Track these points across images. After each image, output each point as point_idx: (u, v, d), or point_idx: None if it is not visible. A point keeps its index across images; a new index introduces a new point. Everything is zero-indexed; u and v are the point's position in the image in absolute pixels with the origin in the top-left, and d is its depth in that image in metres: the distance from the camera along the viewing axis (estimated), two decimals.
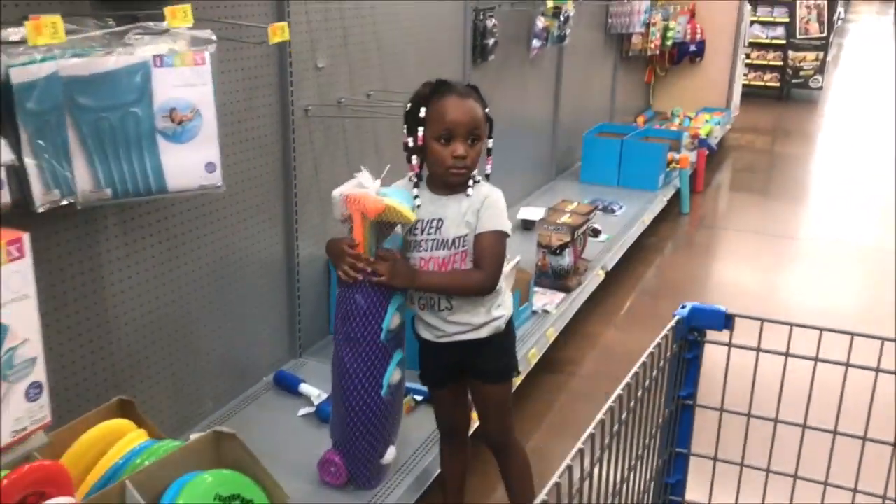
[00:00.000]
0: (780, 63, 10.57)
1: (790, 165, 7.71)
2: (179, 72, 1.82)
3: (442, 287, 2.09)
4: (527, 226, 4.34)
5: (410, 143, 2.06)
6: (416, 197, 2.09)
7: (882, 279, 4.68)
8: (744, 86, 8.97)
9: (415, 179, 2.11)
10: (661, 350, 1.59)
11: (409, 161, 2.11)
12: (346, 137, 3.09)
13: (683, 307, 1.72)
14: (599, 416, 1.31)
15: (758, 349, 1.69)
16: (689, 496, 1.86)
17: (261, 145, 2.67)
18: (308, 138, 2.88)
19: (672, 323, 1.67)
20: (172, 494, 1.85)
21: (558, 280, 3.64)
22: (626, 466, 1.48)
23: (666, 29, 6.95)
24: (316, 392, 2.71)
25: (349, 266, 2.04)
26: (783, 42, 10.49)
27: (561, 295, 3.60)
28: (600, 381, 3.54)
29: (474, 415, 2.41)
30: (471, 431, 2.46)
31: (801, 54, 10.49)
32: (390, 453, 2.26)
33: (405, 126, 2.08)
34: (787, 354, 1.67)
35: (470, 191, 2.08)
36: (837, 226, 5.79)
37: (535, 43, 4.60)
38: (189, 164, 1.90)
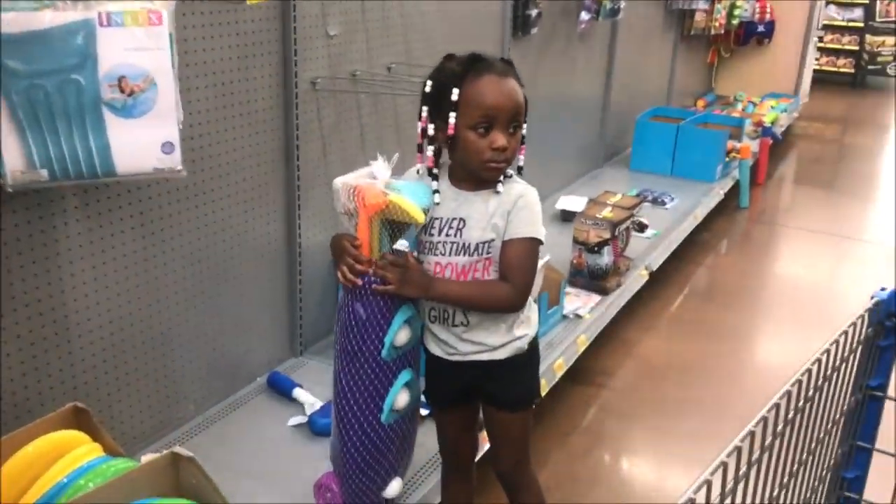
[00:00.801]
0: (856, 47, 9.97)
1: (860, 158, 7.19)
2: (130, 32, 1.52)
3: (462, 299, 1.76)
4: (566, 217, 3.99)
5: (432, 131, 1.73)
6: (435, 191, 1.75)
7: None
8: (814, 71, 8.41)
9: (423, 172, 1.78)
10: (848, 335, 1.47)
11: (422, 151, 1.77)
12: (360, 115, 2.78)
13: (883, 289, 1.59)
14: (774, 399, 1.23)
15: None
16: (867, 495, 1.74)
17: (258, 121, 2.37)
18: (315, 115, 2.58)
19: (869, 305, 1.55)
20: None
21: (595, 280, 3.29)
22: (797, 459, 1.40)
23: (732, 7, 6.46)
24: (311, 400, 2.42)
25: (348, 267, 1.72)
26: (860, 25, 9.88)
27: (597, 297, 3.25)
28: (634, 396, 3.19)
29: (483, 435, 2.11)
30: (478, 456, 2.16)
31: (879, 38, 9.85)
32: (394, 486, 1.92)
33: (423, 109, 1.74)
34: None
35: (500, 187, 1.75)
36: None
37: (585, 16, 4.21)
38: (142, 143, 1.60)
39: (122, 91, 1.54)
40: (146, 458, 1.77)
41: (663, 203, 4.49)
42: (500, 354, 1.82)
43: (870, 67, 10.03)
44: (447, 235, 1.76)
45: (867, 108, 9.13)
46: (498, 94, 1.67)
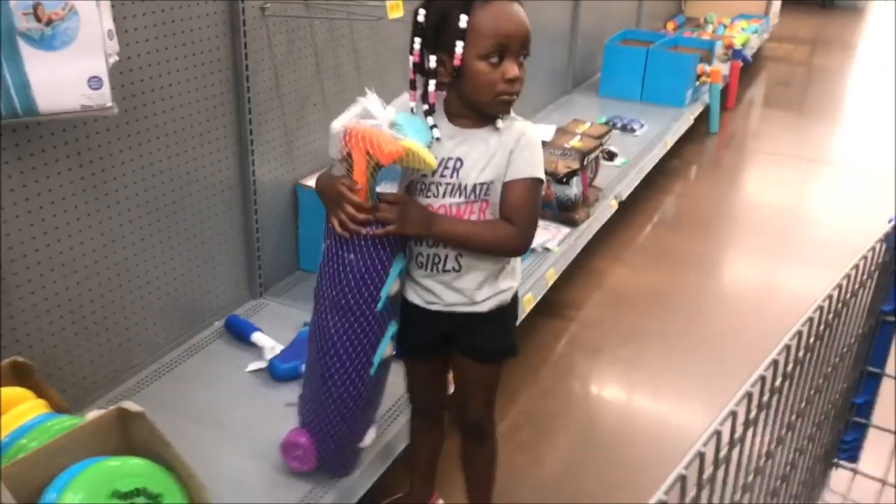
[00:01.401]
0: None
1: (829, 80, 7.11)
2: None
3: (465, 238, 1.65)
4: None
5: (433, 64, 1.58)
6: (433, 127, 1.62)
7: None
8: None
9: (418, 109, 1.64)
10: (868, 260, 1.44)
11: (417, 87, 1.64)
12: (315, 43, 2.62)
13: None
14: (797, 326, 1.20)
15: None
16: (875, 420, 1.77)
17: (203, 50, 2.22)
18: (266, 43, 2.42)
19: (887, 228, 1.52)
20: (58, 489, 1.51)
21: (564, 212, 3.21)
22: (813, 385, 1.38)
23: None
24: (270, 344, 2.33)
25: (348, 216, 1.58)
26: None
27: (566, 230, 3.17)
28: (603, 328, 3.15)
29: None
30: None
31: None
32: (370, 435, 1.87)
33: (416, 41, 1.60)
34: None
35: (500, 124, 1.63)
36: (874, 151, 5.27)
37: None
38: (65, 78, 1.46)
39: (39, 20, 1.39)
40: (92, 414, 1.69)
41: (633, 130, 4.39)
42: (485, 307, 1.73)
43: None
44: (442, 176, 1.64)
45: (836, 29, 9.02)
46: (511, 20, 1.55)
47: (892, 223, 1.52)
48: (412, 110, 1.66)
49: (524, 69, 1.60)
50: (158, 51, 2.08)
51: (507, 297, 1.76)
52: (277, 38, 2.46)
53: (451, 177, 1.63)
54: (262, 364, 2.28)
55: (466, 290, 1.71)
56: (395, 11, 2.26)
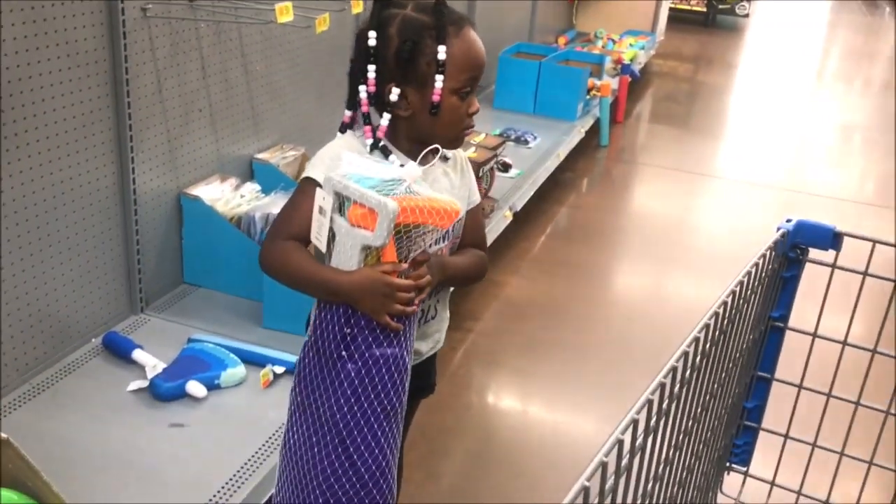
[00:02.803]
0: None
1: (712, 96, 7.41)
2: None
3: (467, 274, 1.57)
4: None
5: (395, 97, 1.42)
6: (402, 165, 1.40)
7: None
8: (670, 9, 8.57)
9: (367, 143, 1.47)
10: (759, 267, 1.48)
11: (369, 122, 1.46)
12: (201, 46, 2.52)
13: (789, 220, 1.62)
14: (693, 333, 1.22)
15: (865, 273, 1.61)
16: (765, 424, 1.85)
17: (78, 51, 2.09)
18: (148, 45, 2.30)
19: (776, 236, 1.57)
20: None
21: None
22: (709, 391, 1.40)
23: None
24: (152, 362, 2.21)
25: (403, 304, 1.35)
26: None
27: None
28: (500, 339, 3.15)
29: None
30: None
31: None
32: None
33: (370, 69, 1.43)
34: None
35: (448, 154, 1.54)
36: (756, 164, 5.51)
37: None
38: None
39: None
40: None
41: (527, 142, 4.43)
42: (441, 342, 1.67)
43: (720, 6, 10.32)
44: None
45: (718, 47, 9.42)
46: (481, 49, 1.46)
47: (780, 231, 1.56)
48: (373, 147, 1.47)
49: None
50: (29, 51, 1.95)
51: None
52: (160, 41, 2.35)
53: None
54: (143, 383, 2.15)
55: (442, 331, 1.65)
56: (285, 15, 2.19)
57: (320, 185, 1.38)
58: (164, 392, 2.11)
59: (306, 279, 1.40)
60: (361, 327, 1.37)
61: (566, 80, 4.96)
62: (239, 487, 1.86)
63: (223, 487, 1.85)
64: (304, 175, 1.47)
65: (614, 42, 6.78)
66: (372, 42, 1.42)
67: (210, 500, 1.81)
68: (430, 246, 1.42)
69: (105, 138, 2.24)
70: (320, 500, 1.41)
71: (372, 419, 1.38)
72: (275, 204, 2.59)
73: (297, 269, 1.41)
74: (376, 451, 1.39)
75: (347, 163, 1.35)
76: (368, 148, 1.47)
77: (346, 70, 1.50)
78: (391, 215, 1.26)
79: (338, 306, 1.37)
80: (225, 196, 2.62)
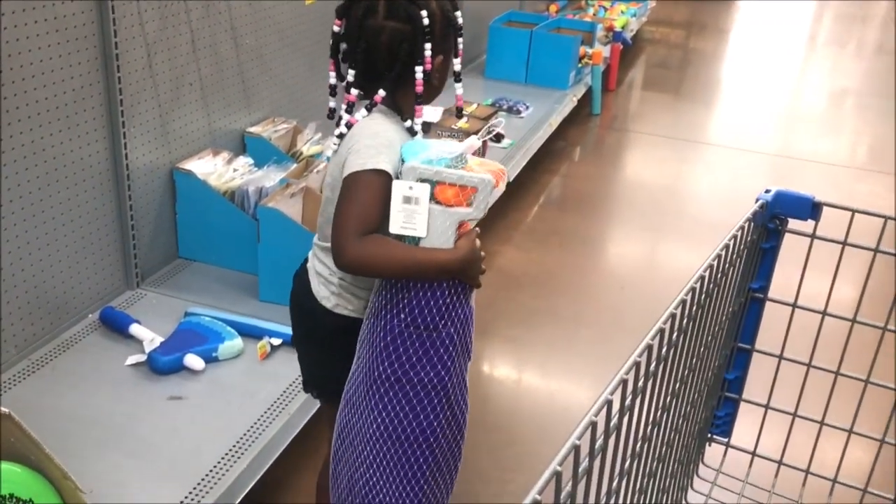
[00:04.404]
0: None
1: (703, 63, 7.37)
2: None
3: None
4: (424, 128, 3.84)
5: (427, 67, 1.48)
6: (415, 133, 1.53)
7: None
8: None
9: (384, 113, 1.52)
10: (737, 239, 1.48)
11: (426, 99, 1.52)
12: (190, 20, 2.51)
13: (768, 191, 1.61)
14: (669, 309, 1.21)
15: (845, 242, 1.62)
16: (746, 395, 1.86)
17: (67, 26, 2.08)
18: (137, 19, 2.30)
19: (755, 207, 1.57)
20: None
21: None
22: (688, 365, 1.41)
23: None
24: (149, 336, 2.23)
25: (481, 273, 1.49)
26: None
27: None
28: (493, 308, 3.17)
29: None
30: None
31: None
32: None
33: (427, 47, 1.46)
34: (876, 250, 1.62)
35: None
36: (745, 132, 5.51)
37: None
38: None
39: None
40: None
41: (518, 112, 4.42)
42: None
43: None
44: None
45: (709, 13, 9.35)
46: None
47: (759, 202, 1.56)
48: (419, 127, 1.54)
49: None
50: (17, 26, 1.94)
51: None
52: (149, 14, 2.34)
53: None
54: (141, 357, 2.18)
55: None
56: None
57: (390, 176, 1.41)
58: (162, 365, 2.13)
59: (414, 265, 1.42)
60: (458, 293, 1.45)
61: (557, 48, 4.94)
62: (238, 459, 1.89)
63: (222, 459, 1.88)
64: (368, 168, 1.42)
65: (606, 9, 6.73)
66: (426, 21, 1.44)
67: (209, 471, 1.84)
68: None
69: (96, 114, 2.24)
70: (412, 455, 1.49)
71: (464, 370, 1.51)
72: (267, 177, 2.59)
73: (401, 258, 1.41)
74: (466, 395, 1.53)
75: (420, 149, 1.41)
76: (421, 127, 1.54)
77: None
78: (489, 188, 1.38)
79: (439, 283, 1.43)
80: (218, 170, 2.63)
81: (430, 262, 1.41)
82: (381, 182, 1.41)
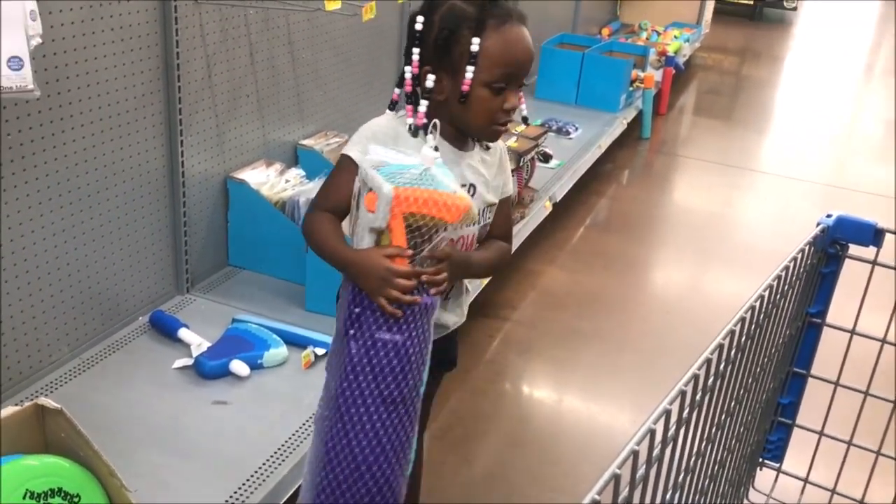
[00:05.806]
0: None
1: (756, 90, 7.30)
2: None
3: (490, 268, 1.64)
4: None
5: (431, 83, 1.46)
6: (436, 148, 1.37)
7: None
8: (716, 2, 8.45)
9: (408, 122, 1.51)
10: (797, 262, 1.47)
11: (415, 103, 1.50)
12: (249, 32, 2.56)
13: (829, 216, 1.60)
14: (728, 326, 1.21)
15: None
16: (800, 420, 1.84)
17: (132, 36, 2.14)
18: (199, 30, 2.36)
19: (815, 231, 1.56)
20: None
21: None
22: (744, 384, 1.39)
23: None
24: (197, 341, 2.27)
25: (401, 290, 1.34)
26: None
27: None
28: (536, 328, 3.16)
29: None
30: None
31: None
32: None
33: (414, 51, 1.47)
34: None
35: (491, 143, 1.59)
36: (797, 160, 5.44)
37: None
38: None
39: None
40: (6, 410, 1.60)
41: (568, 133, 4.42)
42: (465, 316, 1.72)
43: (768, 0, 10.16)
44: None
45: (764, 40, 9.28)
46: (524, 49, 1.46)
47: (820, 227, 1.54)
48: (410, 127, 1.51)
49: (521, 97, 1.51)
50: (85, 35, 2.00)
51: None
52: (210, 27, 2.40)
53: None
54: (188, 361, 2.21)
55: (464, 304, 1.69)
56: (333, 3, 2.23)
57: (353, 162, 1.47)
58: (209, 370, 2.16)
59: (328, 252, 1.48)
60: (365, 307, 1.37)
61: (609, 71, 4.94)
62: (279, 465, 1.90)
63: (263, 464, 1.90)
64: (343, 152, 1.53)
65: (659, 34, 6.72)
66: (418, 26, 1.47)
67: (250, 476, 1.86)
68: (457, 230, 1.41)
69: (156, 121, 2.29)
70: (321, 475, 1.43)
71: (369, 402, 1.37)
72: (318, 189, 2.63)
73: (323, 240, 1.49)
74: (371, 435, 1.37)
75: (373, 152, 1.38)
76: (408, 128, 1.51)
77: (391, 59, 1.53)
78: (386, 197, 1.30)
79: (352, 284, 1.40)
80: (270, 180, 2.67)
81: (334, 253, 1.46)
82: (343, 165, 1.51)
